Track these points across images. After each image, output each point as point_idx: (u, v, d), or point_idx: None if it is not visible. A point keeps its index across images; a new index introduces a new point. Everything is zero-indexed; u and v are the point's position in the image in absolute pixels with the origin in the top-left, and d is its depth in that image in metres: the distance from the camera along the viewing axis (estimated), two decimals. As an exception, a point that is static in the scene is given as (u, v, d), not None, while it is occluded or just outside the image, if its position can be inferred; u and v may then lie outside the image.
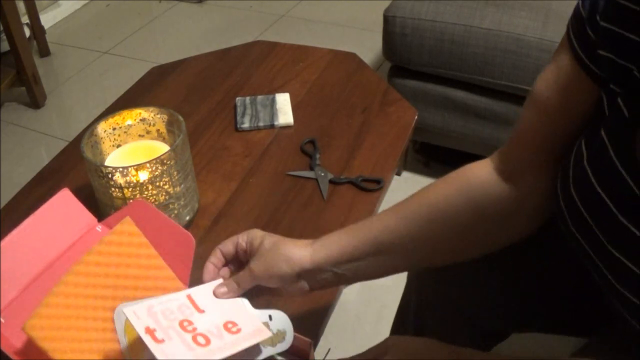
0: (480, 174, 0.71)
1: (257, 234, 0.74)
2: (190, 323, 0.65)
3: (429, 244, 0.72)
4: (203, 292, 0.71)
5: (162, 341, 0.61)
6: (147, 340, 0.60)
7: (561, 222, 0.65)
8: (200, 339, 0.64)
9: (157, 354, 0.60)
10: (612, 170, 0.56)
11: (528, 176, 0.69)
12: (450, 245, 0.73)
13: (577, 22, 0.60)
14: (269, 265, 0.71)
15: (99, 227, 0.84)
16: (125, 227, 0.75)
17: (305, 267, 0.72)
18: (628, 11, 0.53)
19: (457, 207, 0.70)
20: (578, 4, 0.60)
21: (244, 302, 0.72)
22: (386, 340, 0.66)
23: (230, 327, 0.67)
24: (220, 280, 0.74)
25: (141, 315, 0.63)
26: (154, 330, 0.62)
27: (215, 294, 0.71)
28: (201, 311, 0.67)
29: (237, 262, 0.77)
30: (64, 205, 0.81)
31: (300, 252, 0.72)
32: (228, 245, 0.75)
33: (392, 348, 0.63)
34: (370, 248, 0.72)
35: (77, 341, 0.66)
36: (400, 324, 1.00)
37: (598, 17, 0.56)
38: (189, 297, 0.68)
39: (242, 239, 0.75)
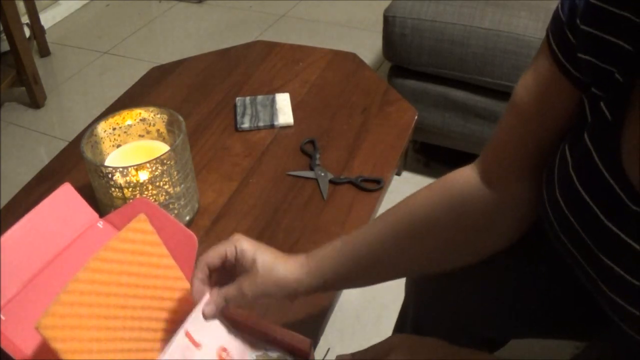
0: (462, 182, 0.71)
1: (246, 246, 0.71)
2: None
3: (415, 256, 0.72)
4: (197, 320, 0.70)
5: None
6: None
7: (549, 228, 0.64)
8: None
9: None
10: (597, 175, 0.55)
11: (509, 181, 0.68)
12: (434, 256, 0.73)
13: (557, 26, 0.59)
14: (262, 288, 0.70)
15: (100, 223, 0.84)
16: (140, 225, 0.74)
17: (299, 291, 0.71)
18: (607, 14, 0.53)
19: (437, 218, 0.70)
20: (557, 7, 0.59)
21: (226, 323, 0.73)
22: (391, 338, 0.65)
23: (224, 356, 0.70)
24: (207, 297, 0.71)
25: None
26: None
27: (204, 315, 0.70)
28: (198, 345, 0.68)
29: (222, 272, 0.74)
30: (65, 200, 0.81)
31: (295, 276, 0.71)
32: (214, 258, 0.71)
33: (397, 347, 0.63)
34: (362, 266, 0.72)
35: (87, 341, 0.66)
36: (399, 332, 1.00)
37: (578, 21, 0.56)
38: (188, 334, 0.68)
39: (229, 252, 0.71)
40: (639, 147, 0.53)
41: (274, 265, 0.71)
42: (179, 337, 0.67)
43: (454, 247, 0.72)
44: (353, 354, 0.65)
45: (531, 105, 0.64)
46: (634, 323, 0.58)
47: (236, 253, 0.71)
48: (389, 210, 0.73)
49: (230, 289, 0.71)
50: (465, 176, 0.71)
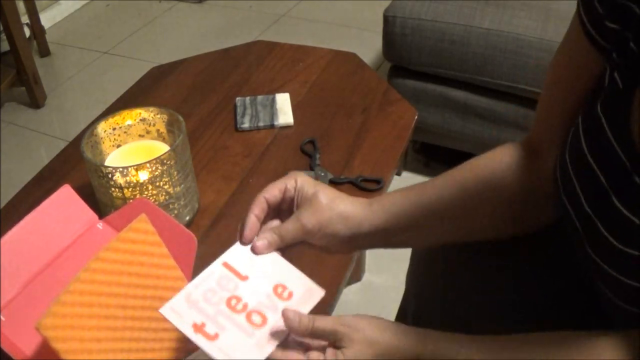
0: (504, 156, 0.72)
1: (307, 181, 0.67)
2: (239, 300, 0.60)
3: (475, 216, 0.71)
4: (238, 255, 0.63)
5: (216, 336, 0.56)
6: (200, 341, 0.56)
7: (554, 189, 0.65)
8: (256, 318, 0.59)
9: (215, 355, 0.55)
10: (605, 142, 0.56)
11: (552, 149, 0.69)
12: (491, 221, 0.72)
13: None
14: (324, 221, 0.65)
15: (100, 224, 0.84)
16: (140, 225, 0.74)
17: (363, 230, 0.67)
18: None
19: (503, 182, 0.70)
20: None
21: (280, 257, 0.65)
22: (357, 319, 0.61)
23: (281, 292, 0.62)
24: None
25: (182, 310, 0.57)
26: (203, 325, 0.57)
27: (254, 249, 0.64)
28: (244, 278, 0.61)
29: (279, 213, 0.69)
30: (65, 201, 0.81)
31: (359, 212, 0.67)
32: (274, 191, 0.66)
33: (360, 330, 0.60)
34: (424, 214, 0.69)
35: (88, 341, 0.66)
36: None
37: None
38: (226, 265, 0.62)
39: (290, 185, 0.66)
40: None
41: (336, 197, 0.67)
42: (214, 266, 0.61)
43: (506, 214, 0.72)
44: (314, 318, 0.60)
45: (563, 73, 0.66)
46: (629, 296, 0.58)
47: (296, 185, 0.67)
48: (452, 171, 0.72)
49: (286, 224, 0.65)
50: (505, 153, 0.72)
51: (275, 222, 0.68)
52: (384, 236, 0.69)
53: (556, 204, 0.71)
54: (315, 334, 0.59)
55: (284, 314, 0.58)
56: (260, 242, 0.65)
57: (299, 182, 0.67)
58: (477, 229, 0.74)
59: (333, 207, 0.66)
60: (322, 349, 0.60)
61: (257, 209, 0.66)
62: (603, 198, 0.57)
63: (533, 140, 0.72)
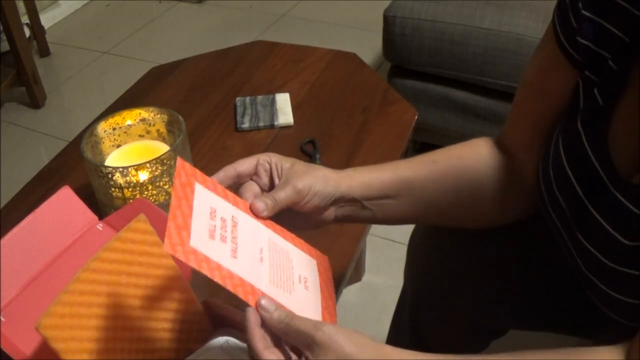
0: (481, 148, 0.76)
1: (281, 157, 0.69)
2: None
3: (445, 191, 0.74)
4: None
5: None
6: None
7: (540, 202, 0.67)
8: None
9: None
10: (584, 157, 0.58)
11: (523, 153, 0.72)
12: (464, 205, 0.75)
13: (561, 8, 0.62)
14: (311, 181, 0.67)
15: (100, 225, 0.84)
16: (139, 225, 0.74)
17: (342, 190, 0.70)
18: (608, 2, 0.55)
19: (484, 168, 0.73)
20: None
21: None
22: (323, 327, 0.55)
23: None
24: None
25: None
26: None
27: (253, 210, 0.65)
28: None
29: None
30: (64, 202, 0.81)
31: (336, 175, 0.71)
32: (244, 163, 0.67)
33: (322, 342, 0.54)
34: (396, 181, 0.73)
35: (87, 341, 0.66)
36: (397, 323, 1.00)
37: (580, 5, 0.58)
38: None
39: (263, 158, 0.68)
40: (625, 132, 0.55)
41: (313, 166, 0.70)
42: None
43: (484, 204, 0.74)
44: (293, 315, 0.56)
45: (535, 82, 0.68)
46: (612, 304, 0.59)
47: (271, 160, 0.68)
48: (433, 152, 0.77)
49: (278, 190, 0.66)
50: (478, 141, 0.77)
51: (255, 188, 0.68)
52: (360, 199, 0.72)
53: (529, 205, 0.73)
54: (288, 331, 0.55)
55: (259, 303, 0.56)
56: (258, 207, 0.64)
57: (274, 158, 0.69)
58: (449, 210, 0.76)
59: (313, 170, 0.69)
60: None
61: (222, 174, 0.66)
62: (582, 211, 0.59)
63: (503, 141, 0.75)
